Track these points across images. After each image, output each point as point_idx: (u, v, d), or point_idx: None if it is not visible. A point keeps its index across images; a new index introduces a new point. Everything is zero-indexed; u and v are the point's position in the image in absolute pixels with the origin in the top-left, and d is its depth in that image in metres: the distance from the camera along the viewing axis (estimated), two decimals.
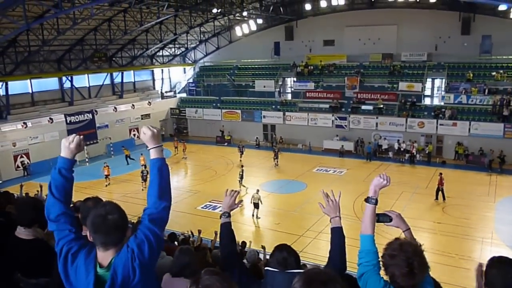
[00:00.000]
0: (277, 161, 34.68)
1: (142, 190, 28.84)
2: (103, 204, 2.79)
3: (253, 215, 24.06)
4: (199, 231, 13.44)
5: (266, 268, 3.50)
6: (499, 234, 21.18)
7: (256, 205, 23.93)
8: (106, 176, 31.05)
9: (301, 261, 4.11)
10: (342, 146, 37.13)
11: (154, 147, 3.09)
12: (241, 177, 28.72)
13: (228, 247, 3.81)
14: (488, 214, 23.74)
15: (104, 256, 2.69)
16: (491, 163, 31.78)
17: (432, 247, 20.08)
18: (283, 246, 3.59)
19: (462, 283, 16.17)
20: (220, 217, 3.93)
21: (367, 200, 3.30)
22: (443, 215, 23.48)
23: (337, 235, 3.67)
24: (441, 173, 26.49)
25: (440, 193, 25.77)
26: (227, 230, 3.83)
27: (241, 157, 35.88)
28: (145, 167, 30.10)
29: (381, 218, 3.38)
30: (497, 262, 2.78)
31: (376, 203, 3.28)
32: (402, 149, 35.16)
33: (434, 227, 22.11)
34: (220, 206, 25.21)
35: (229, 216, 3.89)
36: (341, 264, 3.58)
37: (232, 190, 3.99)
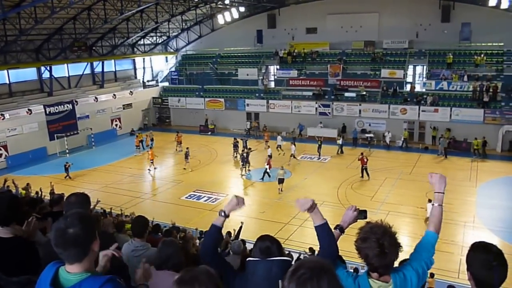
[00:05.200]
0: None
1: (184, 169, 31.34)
2: (65, 216, 2.64)
3: (279, 189, 25.97)
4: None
5: (248, 259, 3.47)
6: (481, 218, 21.59)
7: (281, 180, 25.81)
8: (151, 161, 31.56)
9: (287, 249, 4.07)
10: (341, 138, 35.00)
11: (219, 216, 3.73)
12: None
13: (208, 248, 3.71)
14: (470, 198, 24.13)
15: (71, 268, 2.60)
16: (445, 150, 32.26)
17: (416, 232, 20.30)
18: (264, 236, 3.59)
19: (445, 266, 16.47)
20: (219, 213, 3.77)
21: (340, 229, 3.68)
22: (426, 200, 23.65)
23: (324, 233, 3.39)
24: (362, 153, 28.71)
25: (364, 172, 28.03)
26: (213, 232, 3.71)
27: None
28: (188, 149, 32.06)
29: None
30: (476, 246, 2.89)
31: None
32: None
33: (417, 212, 22.37)
34: (204, 196, 25.37)
35: (225, 216, 3.72)
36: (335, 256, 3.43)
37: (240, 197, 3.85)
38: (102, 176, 30.64)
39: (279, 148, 33.80)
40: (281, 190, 25.97)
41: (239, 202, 3.77)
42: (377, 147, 34.96)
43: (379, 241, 2.81)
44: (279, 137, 34.60)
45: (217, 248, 3.83)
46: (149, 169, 31.52)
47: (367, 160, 28.32)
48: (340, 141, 34.17)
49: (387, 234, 2.88)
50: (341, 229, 3.67)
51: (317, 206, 3.50)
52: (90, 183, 28.75)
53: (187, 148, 32.02)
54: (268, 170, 28.23)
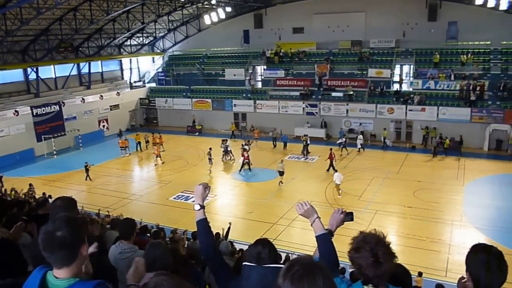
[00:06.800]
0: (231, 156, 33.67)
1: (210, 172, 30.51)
2: (53, 219, 2.61)
3: (280, 182, 26.98)
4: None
5: (243, 263, 3.50)
6: (467, 216, 21.70)
7: (281, 173, 26.85)
8: (157, 156, 32.95)
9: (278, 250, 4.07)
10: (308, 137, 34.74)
11: None
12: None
13: (206, 242, 3.72)
14: (457, 197, 24.25)
15: (59, 272, 2.56)
16: (435, 148, 32.46)
17: (403, 231, 20.48)
18: (258, 240, 3.60)
19: (432, 264, 16.65)
20: (194, 208, 3.82)
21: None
22: (413, 199, 23.87)
23: (325, 243, 3.45)
24: (331, 148, 30.12)
25: (330, 166, 28.98)
26: (203, 226, 3.73)
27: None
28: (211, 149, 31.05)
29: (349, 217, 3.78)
30: (476, 247, 2.91)
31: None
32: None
33: (404, 211, 22.46)
34: (193, 197, 25.21)
35: (202, 208, 3.76)
36: (335, 265, 3.48)
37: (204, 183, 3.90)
38: (90, 177, 30.37)
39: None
40: (281, 182, 26.85)
41: (204, 187, 3.81)
42: (365, 146, 35.03)
43: (373, 251, 2.72)
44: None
45: (214, 240, 3.85)
46: (155, 164, 32.73)
47: (335, 156, 29.46)
48: (306, 141, 33.78)
49: (381, 243, 2.78)
50: (330, 233, 3.68)
51: (320, 218, 3.55)
52: (78, 184, 28.59)
53: (210, 148, 30.98)
54: (245, 161, 30.16)
